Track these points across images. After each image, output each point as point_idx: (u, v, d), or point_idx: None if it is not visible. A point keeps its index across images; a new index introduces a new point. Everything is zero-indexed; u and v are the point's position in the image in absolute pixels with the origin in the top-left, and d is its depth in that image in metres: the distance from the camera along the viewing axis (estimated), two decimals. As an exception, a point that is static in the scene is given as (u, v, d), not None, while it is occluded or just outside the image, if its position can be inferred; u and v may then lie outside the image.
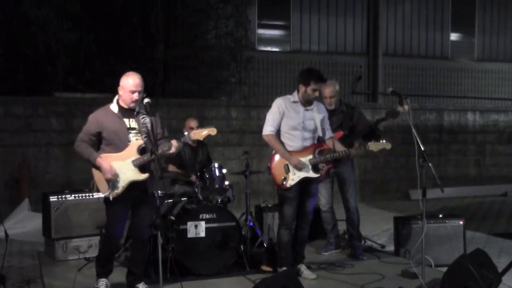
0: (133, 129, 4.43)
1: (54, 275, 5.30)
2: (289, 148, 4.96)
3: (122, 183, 4.35)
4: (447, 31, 15.42)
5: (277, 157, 4.99)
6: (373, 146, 4.97)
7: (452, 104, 14.19)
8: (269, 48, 13.78)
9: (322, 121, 5.08)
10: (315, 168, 4.95)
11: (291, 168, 4.91)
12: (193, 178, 5.75)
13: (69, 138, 8.85)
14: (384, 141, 5.01)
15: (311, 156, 4.94)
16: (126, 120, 4.42)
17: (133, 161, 4.35)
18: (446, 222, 5.80)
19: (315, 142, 5.03)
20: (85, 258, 5.71)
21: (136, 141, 4.38)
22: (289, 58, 13.60)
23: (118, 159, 4.35)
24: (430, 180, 4.55)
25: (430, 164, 4.48)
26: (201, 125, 6.32)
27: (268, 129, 4.98)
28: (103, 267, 4.62)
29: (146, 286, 4.63)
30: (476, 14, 15.75)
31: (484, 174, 12.15)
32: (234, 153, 9.30)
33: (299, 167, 4.87)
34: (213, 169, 5.62)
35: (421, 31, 15.12)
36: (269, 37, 13.87)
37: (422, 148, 4.52)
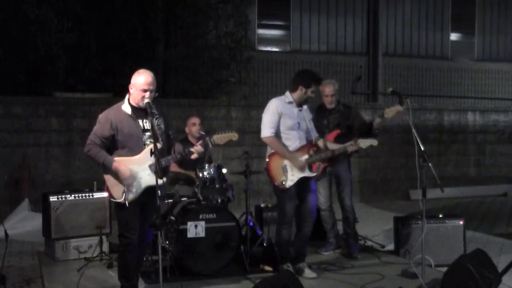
0: (148, 130, 4.24)
1: (54, 275, 5.29)
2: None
3: (138, 188, 4.18)
4: (447, 31, 15.42)
5: (273, 158, 5.01)
6: (362, 143, 5.12)
7: (452, 104, 14.19)
8: (269, 48, 13.78)
9: (309, 122, 5.19)
10: (310, 167, 5.03)
11: (288, 169, 4.96)
12: (193, 174, 5.74)
13: (69, 138, 8.87)
14: (371, 138, 5.15)
15: (307, 156, 5.00)
16: (140, 121, 4.24)
17: (150, 166, 4.18)
18: (446, 222, 5.80)
19: (308, 141, 5.10)
20: (85, 258, 5.72)
21: (151, 144, 4.13)
22: (289, 58, 13.59)
23: (133, 163, 4.18)
24: (430, 180, 4.55)
25: (430, 164, 4.49)
26: (202, 124, 6.36)
27: (268, 131, 4.97)
28: (127, 280, 4.35)
29: (145, 284, 4.62)
30: (476, 14, 15.75)
31: (484, 174, 12.14)
32: (234, 153, 9.29)
33: (304, 167, 4.94)
34: (213, 169, 5.62)
35: (421, 31, 15.11)
36: (269, 37, 13.87)
37: (422, 148, 4.53)
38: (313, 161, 5.02)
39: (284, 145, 5.01)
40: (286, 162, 4.97)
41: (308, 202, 5.13)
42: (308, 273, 5.13)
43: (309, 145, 5.08)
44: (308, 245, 5.52)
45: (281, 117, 4.98)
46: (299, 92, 5.03)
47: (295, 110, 5.06)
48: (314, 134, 5.22)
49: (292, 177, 4.96)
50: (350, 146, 5.12)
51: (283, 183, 4.94)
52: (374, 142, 5.14)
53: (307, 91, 5.00)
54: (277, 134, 5.00)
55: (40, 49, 10.01)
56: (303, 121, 5.08)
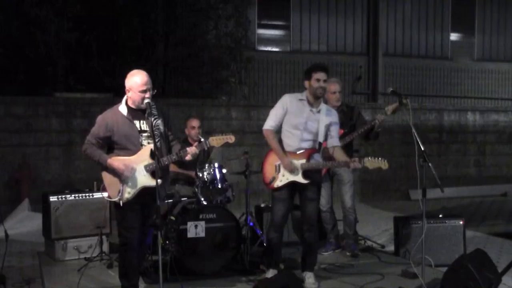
0: (145, 131, 4.21)
1: (54, 275, 5.29)
2: (286, 148, 4.77)
3: (133, 188, 4.15)
4: (447, 31, 15.41)
5: (271, 155, 4.86)
6: (368, 163, 4.66)
7: (452, 104, 14.19)
8: (269, 48, 13.78)
9: (328, 126, 4.80)
10: (306, 174, 4.70)
11: (281, 169, 4.74)
12: (193, 174, 5.74)
13: (69, 138, 8.88)
14: (380, 158, 4.70)
15: (304, 161, 4.70)
16: (136, 122, 4.21)
17: (145, 166, 4.16)
18: (446, 222, 5.80)
19: (315, 146, 4.79)
20: (85, 258, 5.72)
21: (148, 145, 4.17)
22: (289, 58, 13.59)
23: (129, 163, 4.16)
24: (430, 180, 4.55)
25: (430, 164, 4.49)
26: (202, 125, 6.37)
27: (268, 124, 4.81)
28: (127, 280, 4.33)
29: (145, 284, 4.62)
30: (476, 14, 15.74)
31: (484, 174, 12.15)
32: (234, 153, 9.29)
33: (290, 169, 4.67)
34: (213, 169, 5.62)
35: (421, 31, 15.11)
36: (269, 37, 13.86)
37: (422, 148, 4.53)
38: (308, 168, 4.70)
39: (281, 142, 4.80)
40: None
41: (306, 211, 4.83)
42: (309, 283, 4.83)
43: (310, 150, 4.75)
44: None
45: (286, 113, 4.76)
46: (307, 88, 4.78)
47: (306, 108, 4.75)
48: (332, 142, 4.83)
49: (281, 178, 4.73)
50: (353, 163, 4.64)
51: (272, 181, 4.77)
52: (384, 165, 4.62)
53: (311, 82, 4.71)
54: (279, 130, 4.83)
55: (40, 49, 10.01)
56: (313, 122, 4.74)
